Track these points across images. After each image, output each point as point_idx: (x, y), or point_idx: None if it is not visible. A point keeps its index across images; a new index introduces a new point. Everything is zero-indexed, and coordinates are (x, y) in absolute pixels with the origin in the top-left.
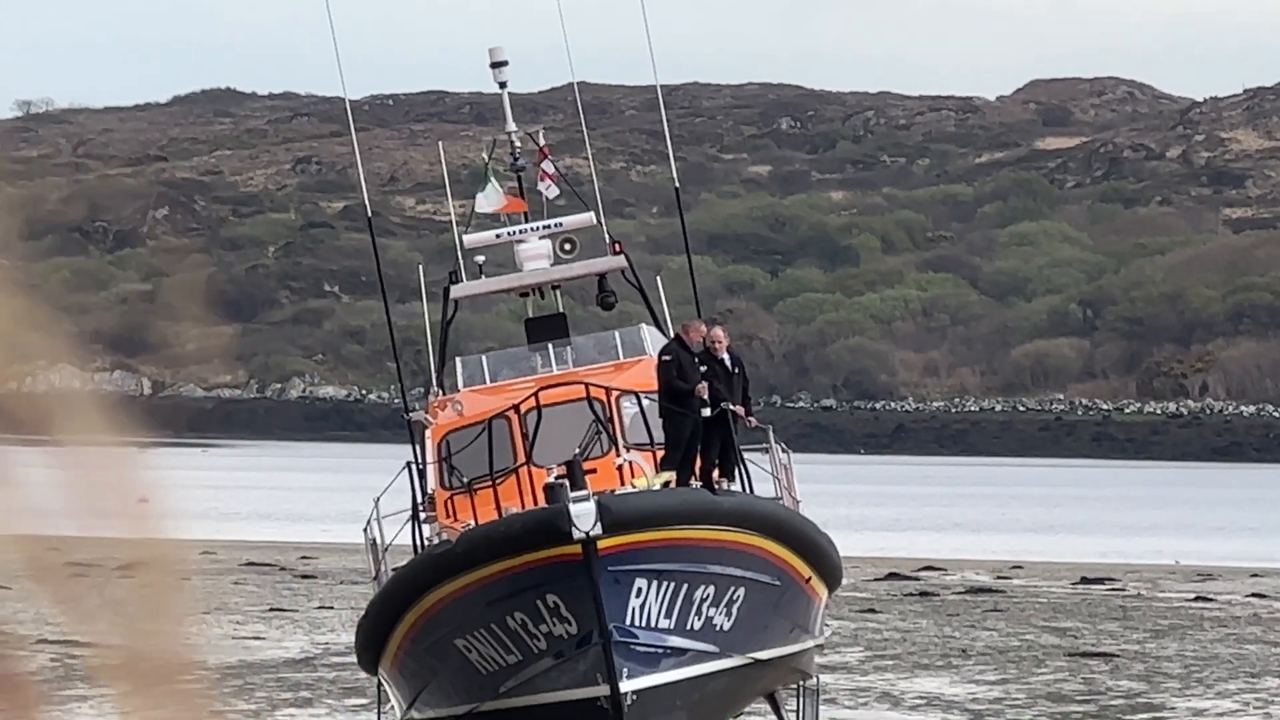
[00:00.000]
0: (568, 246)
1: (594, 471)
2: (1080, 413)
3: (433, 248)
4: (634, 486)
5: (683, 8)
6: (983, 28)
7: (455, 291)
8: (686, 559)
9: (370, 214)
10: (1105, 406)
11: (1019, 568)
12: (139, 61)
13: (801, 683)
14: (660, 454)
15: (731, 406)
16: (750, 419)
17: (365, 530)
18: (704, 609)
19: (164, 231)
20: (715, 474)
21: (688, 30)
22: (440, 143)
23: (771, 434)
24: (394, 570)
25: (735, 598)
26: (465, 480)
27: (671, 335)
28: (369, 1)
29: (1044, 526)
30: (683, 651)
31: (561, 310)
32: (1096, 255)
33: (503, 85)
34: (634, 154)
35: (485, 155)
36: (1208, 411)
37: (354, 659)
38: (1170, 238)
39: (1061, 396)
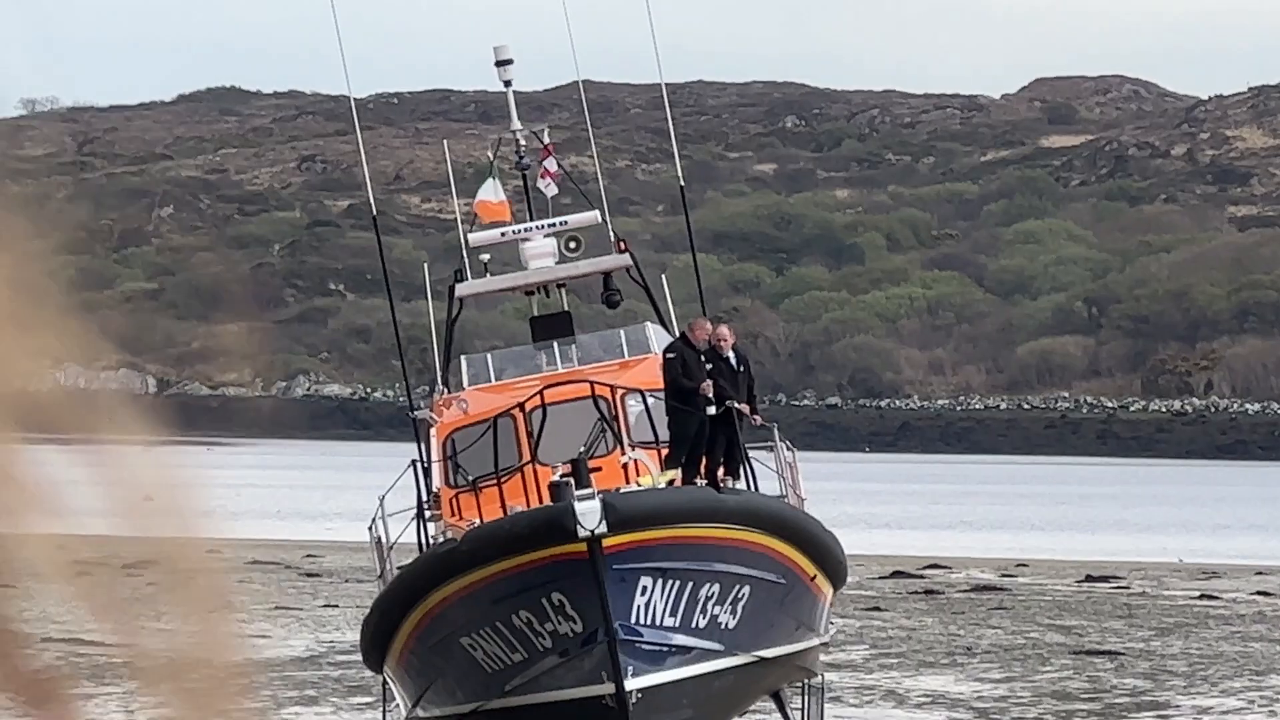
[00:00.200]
0: (573, 245)
1: (599, 470)
2: (1085, 411)
3: (438, 246)
4: (639, 485)
5: (687, 6)
6: (987, 26)
7: (460, 290)
8: (692, 557)
9: (375, 212)
10: (1110, 404)
11: (1024, 565)
12: (144, 60)
13: (806, 681)
14: (665, 452)
15: (736, 404)
16: (755, 417)
17: (370, 529)
18: (709, 607)
19: (169, 230)
20: (720, 472)
21: (693, 28)
22: (445, 141)
23: (776, 432)
24: (399, 569)
25: (740, 596)
26: (470, 479)
27: (677, 334)
28: (374, 0)
29: (1049, 524)
30: (688, 650)
31: (566, 308)
32: (1101, 253)
33: (508, 84)
34: (639, 152)
35: (490, 154)
36: (1213, 409)
37: (359, 657)
38: (1175, 236)
39: (1066, 394)
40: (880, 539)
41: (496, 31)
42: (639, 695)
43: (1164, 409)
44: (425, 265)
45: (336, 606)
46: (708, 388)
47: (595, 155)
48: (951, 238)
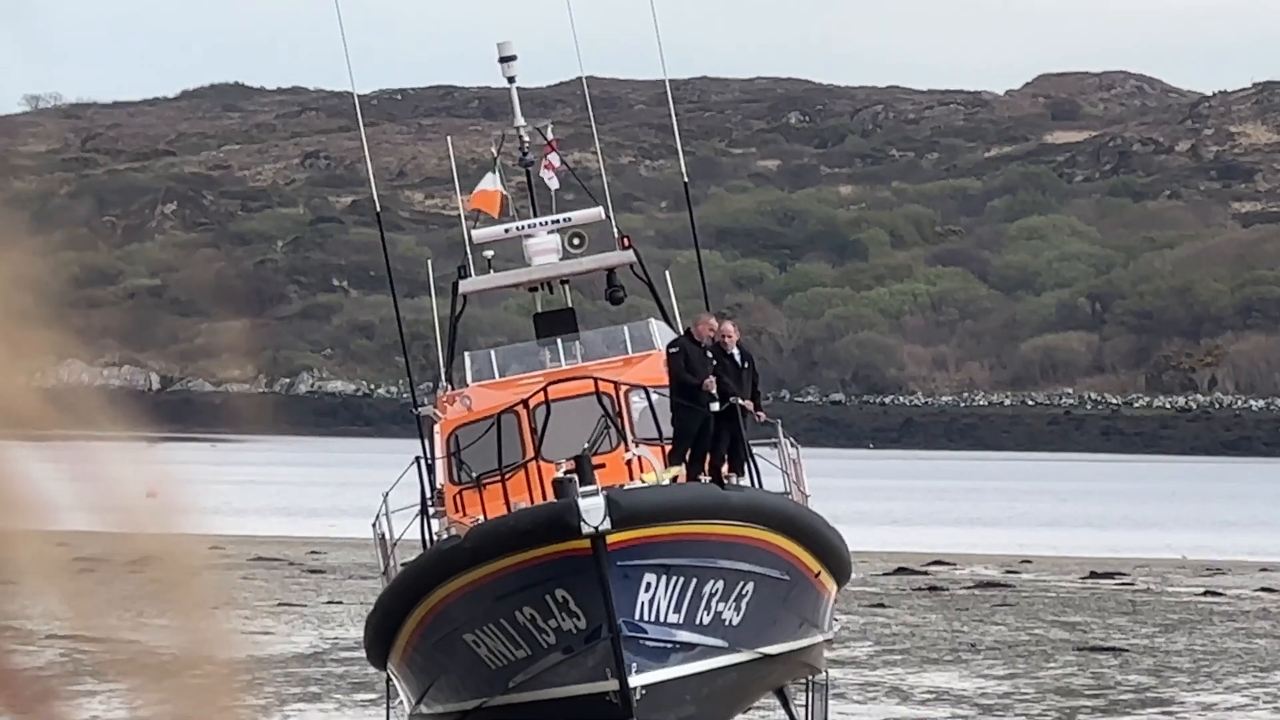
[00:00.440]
0: (576, 241)
1: (603, 466)
2: (1089, 407)
3: (441, 242)
4: (643, 481)
5: (691, 2)
6: (991, 22)
7: (464, 286)
8: (695, 554)
9: (379, 209)
10: (1114, 400)
11: (1028, 562)
12: (147, 56)
13: (810, 677)
14: (669, 449)
15: (740, 401)
16: (759, 414)
17: (374, 525)
18: (713, 604)
19: (172, 226)
20: (724, 469)
21: (696, 24)
22: (449, 137)
23: (780, 428)
24: (403, 565)
25: (744, 592)
26: (474, 475)
27: (681, 330)
28: None
29: (1053, 521)
30: (691, 646)
31: (570, 305)
32: (1105, 249)
33: (511, 80)
34: (643, 148)
35: (494, 150)
36: (1217, 405)
37: (363, 654)
38: (1179, 232)
39: (1070, 390)
40: (884, 535)
41: (500, 27)
42: (643, 692)
43: (1168, 405)
44: (429, 261)
45: (340, 603)
46: (711, 384)
47: (599, 151)
48: (955, 234)
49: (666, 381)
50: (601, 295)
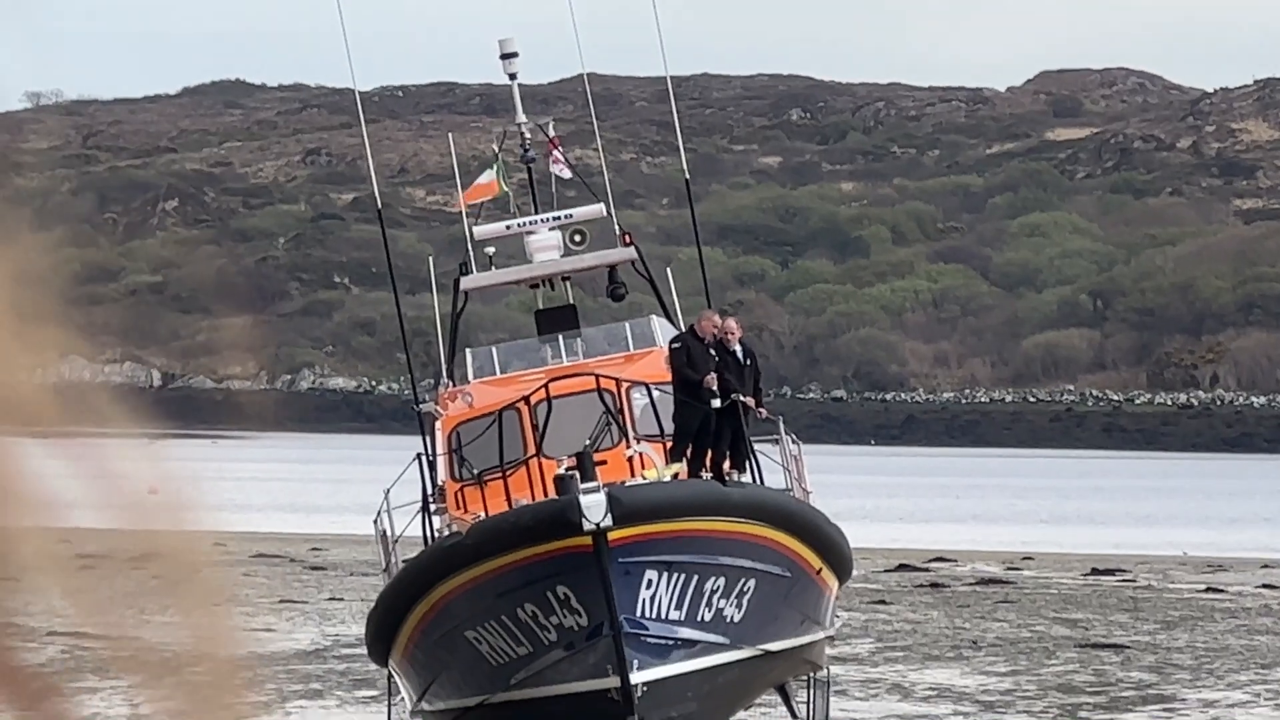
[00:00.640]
0: (578, 238)
1: (604, 463)
2: (1091, 404)
3: (443, 239)
4: (644, 478)
5: None
6: (992, 19)
7: (465, 283)
8: (697, 550)
9: (380, 205)
10: (1116, 397)
11: (1029, 559)
12: (148, 53)
13: (812, 674)
14: (670, 445)
15: (741, 397)
16: (761, 410)
17: (375, 522)
18: (714, 600)
19: (174, 223)
20: (726, 465)
21: (697, 21)
22: (450, 134)
23: (782, 425)
24: (404, 562)
25: (746, 589)
26: (475, 472)
27: (682, 327)
28: None
29: (1054, 517)
30: (693, 643)
31: (572, 302)
32: (1107, 246)
33: (513, 76)
34: (644, 145)
35: (495, 146)
36: (1218, 402)
37: (364, 651)
38: (1181, 228)
39: (1072, 387)
40: (886, 532)
41: (501, 24)
42: (644, 688)
43: (1169, 402)
44: (430, 258)
45: (341, 600)
46: (712, 380)
47: (600, 148)
48: (957, 231)
49: (668, 378)
50: (603, 292)
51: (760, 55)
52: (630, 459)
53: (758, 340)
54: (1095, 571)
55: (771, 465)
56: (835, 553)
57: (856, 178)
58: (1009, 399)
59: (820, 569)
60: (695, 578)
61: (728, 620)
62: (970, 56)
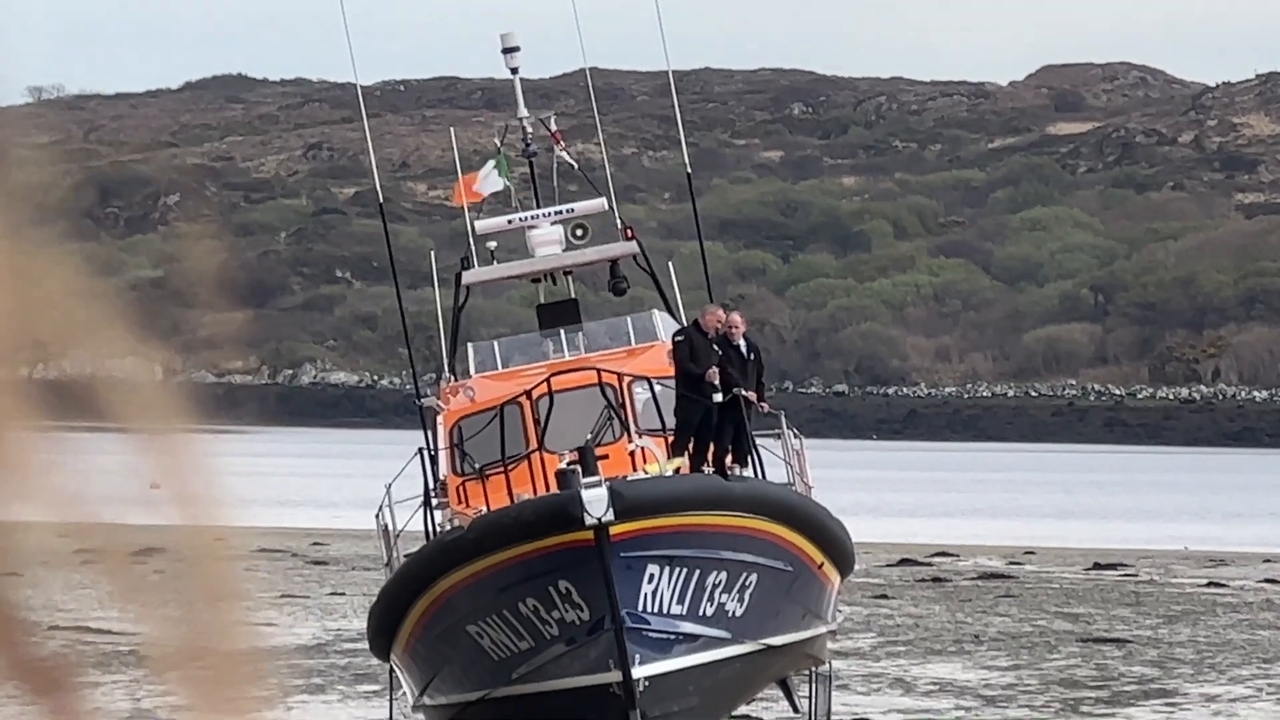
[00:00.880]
0: (580, 232)
1: (606, 457)
2: (1092, 398)
3: (445, 234)
4: (646, 472)
5: None
6: (994, 13)
7: (467, 277)
8: (699, 545)
9: (382, 200)
10: (1117, 392)
11: (1031, 553)
12: (150, 47)
13: (814, 668)
14: (672, 440)
15: (743, 392)
16: (762, 405)
17: (377, 516)
18: (716, 595)
19: (175, 217)
20: (728, 460)
21: (699, 15)
22: (452, 129)
23: (784, 419)
24: (406, 556)
25: (747, 584)
26: (477, 466)
27: (684, 321)
28: None
29: (1056, 512)
30: (695, 638)
31: (573, 296)
32: (1108, 240)
33: (514, 71)
34: (645, 139)
35: (497, 141)
36: (1220, 397)
37: (366, 645)
38: (1182, 223)
39: (1074, 382)
40: (888, 527)
41: (503, 19)
42: (646, 683)
43: (1171, 396)
44: (432, 253)
45: (343, 594)
46: (714, 374)
47: (602, 142)
48: (958, 225)
49: (670, 372)
50: (604, 286)
51: (762, 49)
52: (632, 453)
53: (759, 335)
54: (1097, 566)
55: (773, 460)
56: (837, 547)
57: (858, 172)
58: (1010, 393)
59: (822, 563)
60: (697, 572)
61: (730, 615)
62: (972, 51)
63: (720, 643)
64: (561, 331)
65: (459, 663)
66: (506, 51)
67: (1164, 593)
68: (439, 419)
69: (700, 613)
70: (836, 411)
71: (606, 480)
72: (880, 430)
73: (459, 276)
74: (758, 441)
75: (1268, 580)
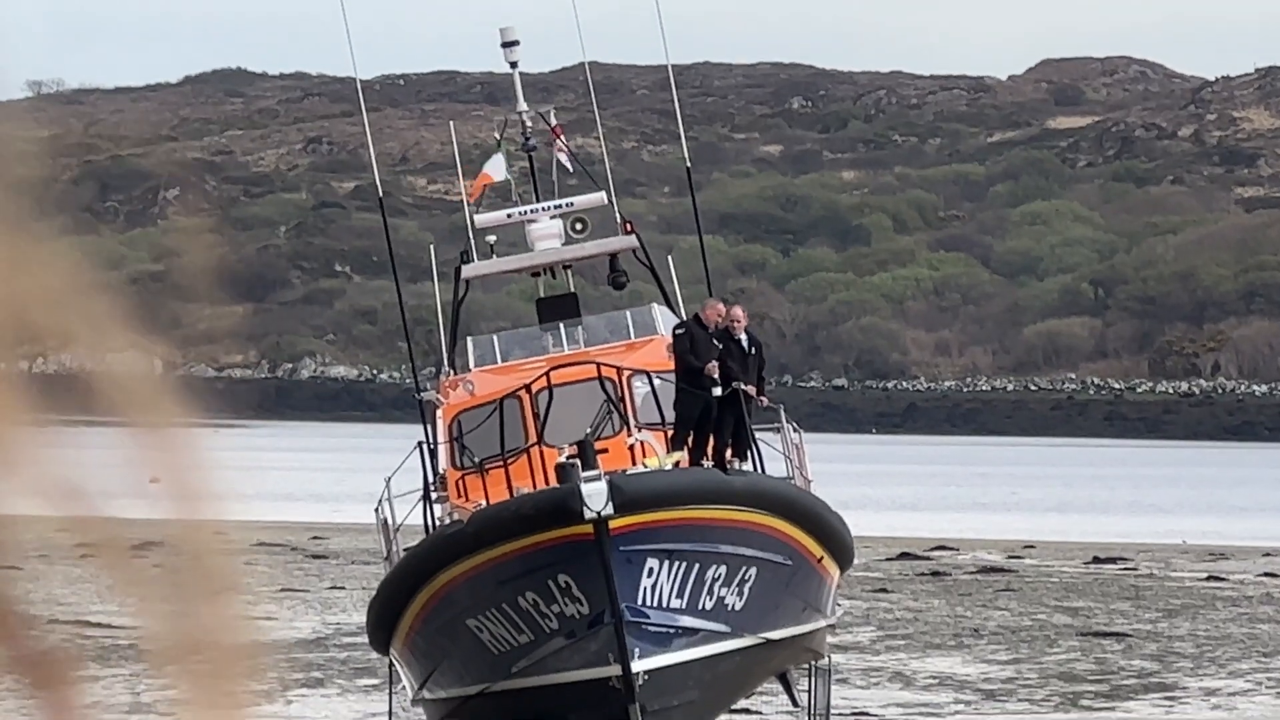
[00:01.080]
0: (579, 226)
1: (605, 451)
2: (1092, 392)
3: (444, 228)
4: (645, 466)
5: None
6: (994, 7)
7: (467, 271)
8: (698, 539)
9: (381, 194)
10: (1117, 386)
11: (1031, 547)
12: (150, 42)
13: (813, 662)
14: (672, 433)
15: (743, 386)
16: (762, 399)
17: (377, 510)
18: (716, 589)
19: (175, 212)
20: (727, 453)
21: (699, 9)
22: (451, 123)
23: (783, 413)
24: (405, 550)
25: (747, 577)
26: (476, 460)
27: (684, 315)
28: None
29: (1056, 506)
30: (694, 631)
31: (573, 290)
32: (1108, 234)
33: (514, 65)
34: (645, 133)
35: (497, 135)
36: (1220, 391)
37: (365, 639)
38: (1182, 217)
39: (1073, 376)
40: (887, 520)
41: (502, 13)
42: (646, 677)
43: (1171, 390)
44: (431, 247)
45: (343, 588)
46: (713, 368)
47: (601, 136)
48: (958, 219)
49: (669, 366)
50: (604, 280)
51: (761, 43)
52: (631, 447)
53: (759, 329)
54: (1097, 560)
55: (773, 453)
56: (836, 541)
57: (858, 166)
58: (1010, 387)
59: (821, 557)
60: (696, 566)
61: (729, 608)
62: (971, 45)
63: (720, 636)
64: (561, 325)
65: (458, 656)
66: (506, 45)
67: (1163, 587)
68: (438, 413)
69: (700, 606)
70: (836, 405)
71: (606, 474)
72: (880, 424)
73: (458, 270)
74: (757, 435)
75: (1267, 574)
